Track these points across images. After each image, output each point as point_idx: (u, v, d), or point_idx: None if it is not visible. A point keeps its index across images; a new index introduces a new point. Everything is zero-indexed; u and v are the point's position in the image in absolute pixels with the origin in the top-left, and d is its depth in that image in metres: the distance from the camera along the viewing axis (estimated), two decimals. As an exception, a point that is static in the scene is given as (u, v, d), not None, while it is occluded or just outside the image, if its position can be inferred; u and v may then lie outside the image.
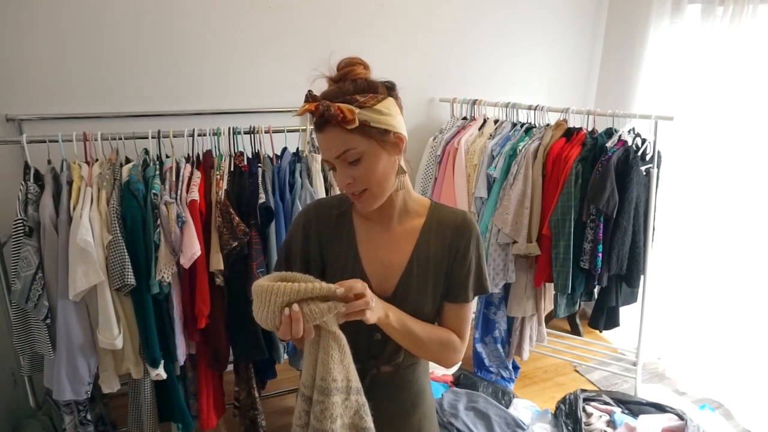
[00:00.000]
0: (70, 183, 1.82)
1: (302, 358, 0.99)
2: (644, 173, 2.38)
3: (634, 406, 2.44)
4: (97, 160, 1.92)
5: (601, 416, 2.35)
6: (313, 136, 2.22)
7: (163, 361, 1.94)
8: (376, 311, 0.96)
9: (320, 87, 0.98)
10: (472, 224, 1.14)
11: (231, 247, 1.91)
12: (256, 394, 2.21)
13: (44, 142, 1.88)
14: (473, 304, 1.17)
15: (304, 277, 0.93)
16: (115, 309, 1.83)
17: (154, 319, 1.88)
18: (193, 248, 1.84)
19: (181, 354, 1.99)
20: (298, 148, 2.24)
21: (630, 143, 2.38)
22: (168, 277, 1.85)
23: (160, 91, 2.45)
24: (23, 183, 1.78)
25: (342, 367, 0.94)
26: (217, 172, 2.00)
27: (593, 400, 2.45)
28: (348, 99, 0.95)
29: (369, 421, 0.97)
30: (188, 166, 1.99)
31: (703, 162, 2.69)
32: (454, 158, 2.59)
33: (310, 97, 0.96)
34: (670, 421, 2.27)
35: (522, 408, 2.50)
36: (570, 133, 2.47)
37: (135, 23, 2.34)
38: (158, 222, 1.84)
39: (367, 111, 0.96)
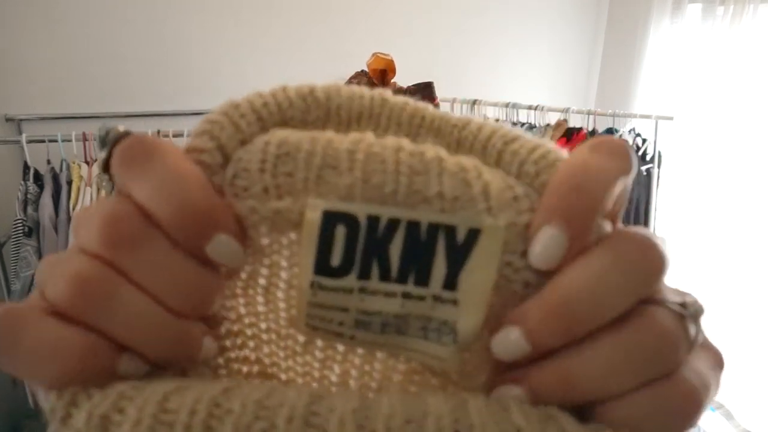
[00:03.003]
0: (69, 183, 1.81)
1: None
2: (645, 173, 2.38)
3: (634, 407, 2.43)
4: (96, 159, 1.91)
5: (601, 416, 2.35)
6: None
7: (162, 362, 1.93)
8: None
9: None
10: None
11: (231, 248, 1.90)
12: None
13: (44, 141, 1.88)
14: None
15: None
16: (115, 309, 1.82)
17: (153, 319, 1.87)
18: (192, 248, 1.83)
19: (181, 354, 1.98)
20: (298, 148, 2.23)
21: (630, 143, 2.38)
22: (168, 278, 1.85)
23: (160, 90, 2.44)
24: (22, 183, 1.78)
25: None
26: (217, 172, 2.00)
27: (594, 401, 2.44)
28: None
29: None
30: (188, 166, 1.98)
31: (704, 162, 2.69)
32: (454, 158, 2.58)
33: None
34: (670, 422, 2.27)
35: (522, 408, 2.49)
36: (570, 133, 2.46)
37: (134, 23, 2.34)
38: (158, 222, 1.83)
39: None
